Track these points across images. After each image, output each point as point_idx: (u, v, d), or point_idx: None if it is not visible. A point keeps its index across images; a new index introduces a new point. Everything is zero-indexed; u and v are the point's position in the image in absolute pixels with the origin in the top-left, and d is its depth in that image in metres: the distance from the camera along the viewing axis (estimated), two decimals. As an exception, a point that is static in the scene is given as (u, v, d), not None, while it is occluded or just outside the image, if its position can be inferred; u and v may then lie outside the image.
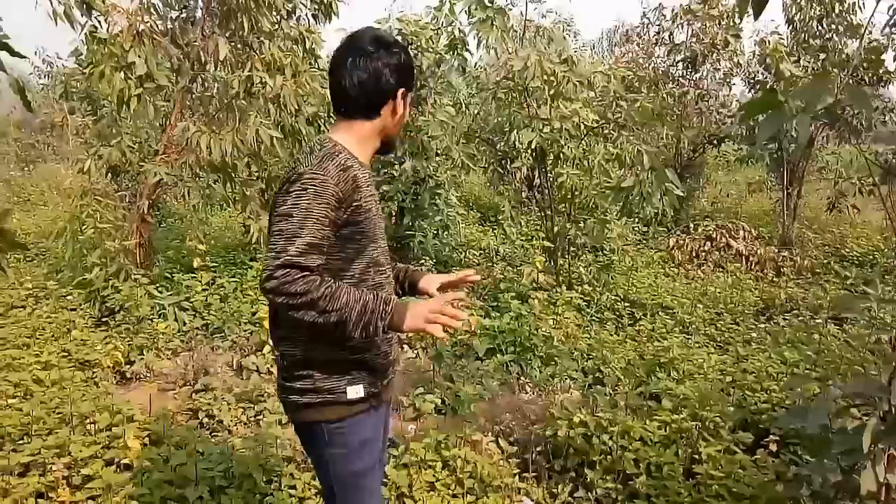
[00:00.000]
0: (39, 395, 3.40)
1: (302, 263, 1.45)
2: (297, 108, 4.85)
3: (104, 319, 4.80)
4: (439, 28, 5.66)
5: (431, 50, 5.76)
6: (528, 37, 5.25)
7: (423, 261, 6.00)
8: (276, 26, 5.06)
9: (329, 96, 1.70)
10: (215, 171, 5.32)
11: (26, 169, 13.23)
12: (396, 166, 5.81)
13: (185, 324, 4.81)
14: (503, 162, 6.42)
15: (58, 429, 2.97)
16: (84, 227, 5.23)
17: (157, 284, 5.19)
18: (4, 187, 11.83)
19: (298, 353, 1.63)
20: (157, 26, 5.51)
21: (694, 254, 6.88)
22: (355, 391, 1.64)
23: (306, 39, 4.92)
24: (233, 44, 5.18)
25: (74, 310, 4.92)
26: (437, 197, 6.05)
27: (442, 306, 1.56)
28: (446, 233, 6.43)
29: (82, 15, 4.89)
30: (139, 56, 5.06)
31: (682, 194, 4.42)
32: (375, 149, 1.73)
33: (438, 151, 5.76)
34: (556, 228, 5.59)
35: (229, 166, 5.19)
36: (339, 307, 1.47)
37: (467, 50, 5.50)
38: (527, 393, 3.86)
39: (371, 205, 1.64)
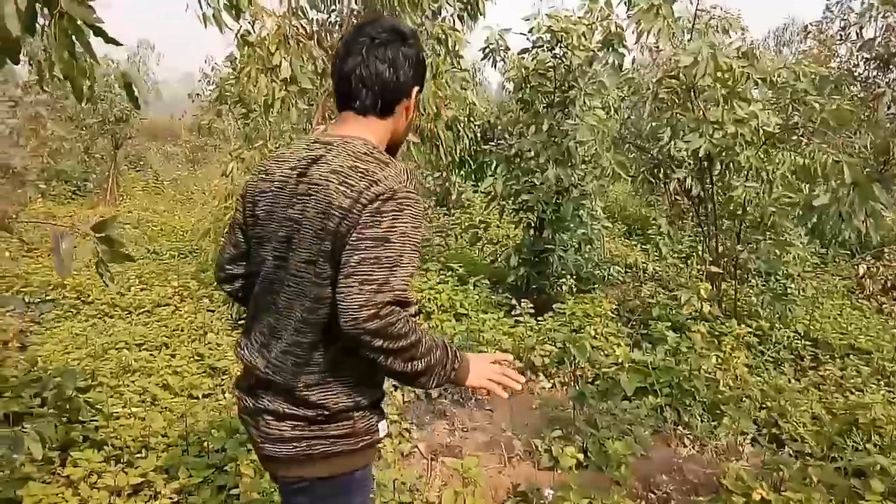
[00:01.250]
0: (165, 402, 3.34)
1: (408, 300, 1.27)
2: (435, 111, 4.56)
3: (240, 323, 4.80)
4: (593, 23, 5.14)
5: (583, 47, 5.25)
6: (698, 27, 4.59)
7: (562, 278, 5.51)
8: (421, 26, 4.81)
9: (338, 88, 1.45)
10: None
11: (193, 169, 14.31)
12: (537, 174, 5.37)
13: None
14: (655, 170, 5.76)
15: (175, 444, 2.86)
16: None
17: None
18: (172, 186, 12.91)
19: (340, 401, 1.37)
20: (304, 29, 5.50)
21: (890, 284, 5.78)
22: (384, 427, 1.46)
23: (449, 38, 4.62)
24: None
25: (213, 311, 4.97)
26: (580, 208, 5.53)
27: (504, 368, 1.47)
28: (589, 247, 5.88)
29: (233, 19, 4.95)
30: (284, 59, 5.05)
31: (893, 215, 3.58)
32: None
33: (586, 158, 5.24)
34: (720, 248, 4.86)
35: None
36: (427, 353, 1.30)
37: (624, 46, 4.93)
38: (685, 447, 3.26)
39: None
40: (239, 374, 1.54)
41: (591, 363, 3.97)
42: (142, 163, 14.48)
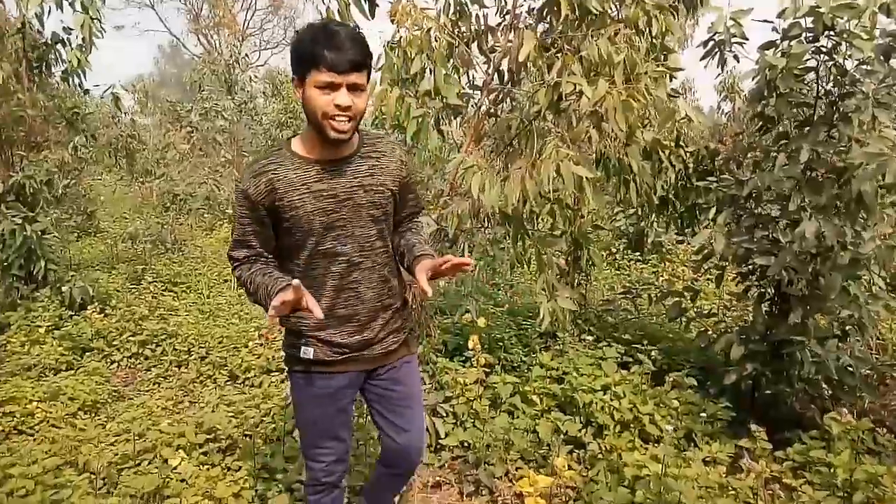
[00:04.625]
0: None
1: (232, 255, 1.91)
2: (627, 129, 3.04)
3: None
4: (887, 3, 3.27)
5: (867, 36, 3.39)
6: None
7: (814, 384, 3.61)
8: (616, 9, 3.33)
9: None
10: (504, 222, 3.84)
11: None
12: (780, 226, 3.56)
13: (441, 436, 3.38)
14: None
15: None
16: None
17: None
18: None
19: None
20: (460, 28, 4.30)
21: None
22: (306, 352, 1.95)
23: (652, 24, 3.09)
24: (547, 39, 3.63)
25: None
26: (852, 279, 3.59)
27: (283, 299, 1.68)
28: (859, 340, 3.88)
29: (366, 16, 3.90)
30: (426, 66, 3.87)
31: None
32: (318, 139, 1.81)
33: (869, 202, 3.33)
34: None
35: (522, 216, 3.65)
36: (252, 291, 1.83)
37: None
38: None
39: (302, 203, 1.80)
40: None
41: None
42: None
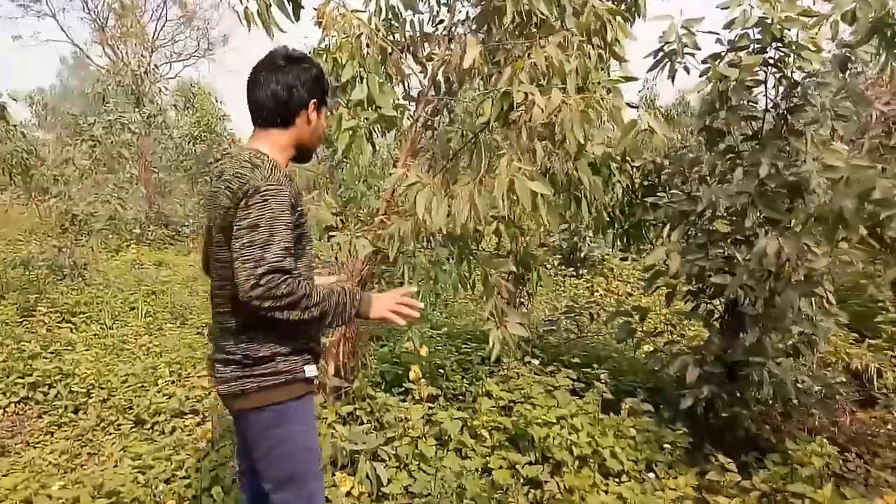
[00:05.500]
0: None
1: (284, 267, 1.63)
2: (580, 142, 2.81)
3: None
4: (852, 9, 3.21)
5: (815, 48, 3.34)
6: None
7: (768, 405, 3.49)
8: (558, 15, 3.11)
9: (249, 108, 1.86)
10: (449, 243, 3.54)
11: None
12: (739, 246, 3.44)
13: (383, 483, 3.00)
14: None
15: None
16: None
17: (355, 406, 3.51)
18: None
19: (262, 349, 1.78)
20: (394, 36, 4.00)
21: None
22: (311, 370, 1.86)
23: (606, 29, 2.88)
24: (489, 45, 3.38)
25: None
26: (804, 297, 3.50)
27: (403, 298, 1.87)
28: (810, 357, 3.81)
29: (290, 18, 3.52)
30: (357, 75, 3.54)
31: None
32: (291, 157, 1.92)
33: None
34: None
35: (467, 236, 3.36)
36: (322, 300, 1.71)
37: (900, 37, 2.95)
38: None
39: (305, 208, 1.87)
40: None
41: None
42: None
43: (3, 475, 3.24)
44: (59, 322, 5.78)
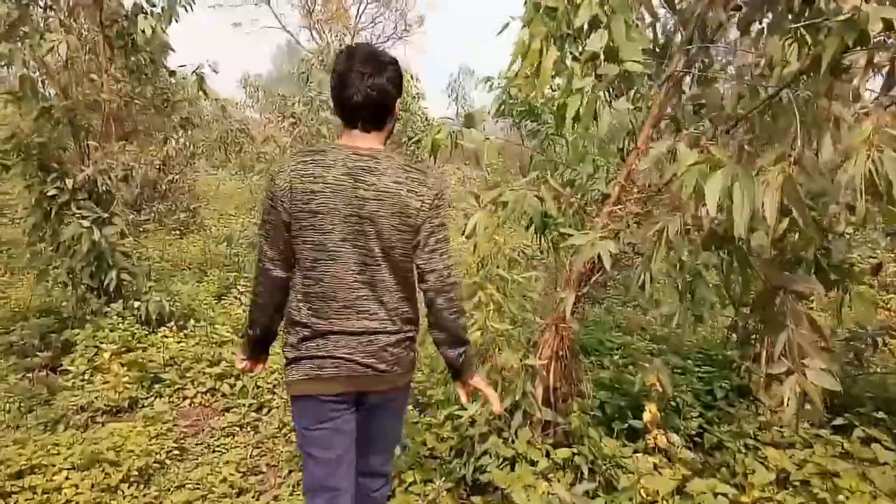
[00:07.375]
0: None
1: None
2: None
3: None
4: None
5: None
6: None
7: None
8: None
9: (347, 110, 1.75)
10: (715, 245, 2.55)
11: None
12: None
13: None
14: None
15: None
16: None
17: (574, 451, 2.70)
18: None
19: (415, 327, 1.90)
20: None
21: None
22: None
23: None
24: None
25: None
26: None
27: None
28: None
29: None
30: (595, 16, 2.65)
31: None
32: None
33: None
34: None
35: (742, 238, 2.35)
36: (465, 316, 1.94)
37: None
38: None
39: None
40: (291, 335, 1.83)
41: None
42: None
43: (176, 487, 2.91)
44: (253, 303, 5.65)
